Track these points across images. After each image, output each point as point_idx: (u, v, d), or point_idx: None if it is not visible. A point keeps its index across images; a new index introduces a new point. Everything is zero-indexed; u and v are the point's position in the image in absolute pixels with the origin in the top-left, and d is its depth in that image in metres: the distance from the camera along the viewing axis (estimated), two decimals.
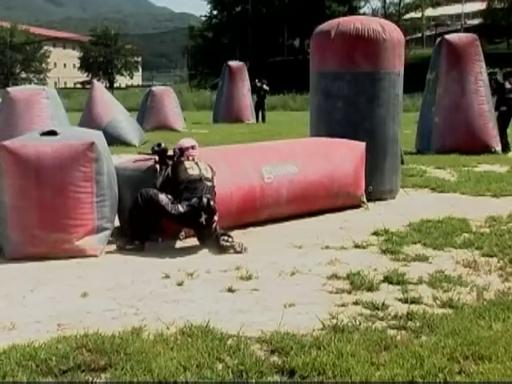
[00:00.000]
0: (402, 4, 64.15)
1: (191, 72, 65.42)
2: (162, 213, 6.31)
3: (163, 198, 6.33)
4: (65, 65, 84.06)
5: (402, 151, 10.53)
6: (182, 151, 6.75)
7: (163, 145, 6.81)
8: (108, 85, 63.55)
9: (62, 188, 6.05)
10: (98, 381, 3.50)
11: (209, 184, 6.52)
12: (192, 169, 6.57)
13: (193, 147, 6.84)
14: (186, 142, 6.90)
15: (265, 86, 27.58)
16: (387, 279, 5.26)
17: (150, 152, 6.87)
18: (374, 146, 8.57)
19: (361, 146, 8.40)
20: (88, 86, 37.85)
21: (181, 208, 6.29)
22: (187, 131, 21.81)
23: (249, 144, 9.19)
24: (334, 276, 5.40)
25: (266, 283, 5.26)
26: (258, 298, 4.91)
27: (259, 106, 27.25)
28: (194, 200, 6.31)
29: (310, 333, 4.11)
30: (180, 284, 5.25)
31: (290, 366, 3.61)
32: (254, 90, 27.33)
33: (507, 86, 15.08)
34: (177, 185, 6.51)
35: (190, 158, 6.73)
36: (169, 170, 6.64)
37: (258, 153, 7.75)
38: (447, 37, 14.68)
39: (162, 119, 21.76)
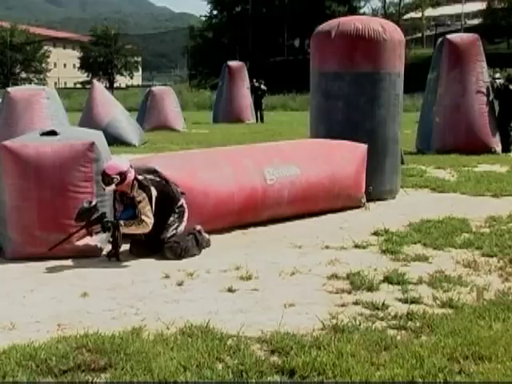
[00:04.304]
0: (402, 4, 64.26)
1: (191, 72, 65.46)
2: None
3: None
4: (65, 65, 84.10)
5: (402, 151, 10.53)
6: (123, 175, 5.95)
7: (93, 203, 5.95)
8: (108, 85, 63.60)
9: (62, 188, 6.04)
10: (97, 381, 3.50)
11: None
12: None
13: (131, 166, 6.11)
14: (122, 164, 6.07)
15: (262, 86, 27.60)
16: (387, 279, 5.25)
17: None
18: (374, 147, 8.57)
19: (362, 147, 8.39)
20: (88, 86, 37.88)
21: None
22: (187, 131, 21.84)
23: (251, 145, 9.19)
24: (334, 276, 5.40)
25: (266, 283, 5.26)
26: (258, 298, 4.91)
27: (257, 106, 27.28)
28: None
29: (309, 333, 4.11)
30: (180, 284, 5.25)
31: (290, 365, 3.61)
32: (252, 90, 27.35)
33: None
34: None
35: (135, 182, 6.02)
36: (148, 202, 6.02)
37: (260, 154, 7.75)
38: (449, 36, 14.66)
39: (161, 119, 21.76)
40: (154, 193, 6.07)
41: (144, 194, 5.98)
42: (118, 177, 5.93)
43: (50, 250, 5.89)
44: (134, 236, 6.22)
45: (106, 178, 5.96)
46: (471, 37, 14.69)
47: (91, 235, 6.04)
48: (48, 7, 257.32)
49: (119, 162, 6.20)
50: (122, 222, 5.97)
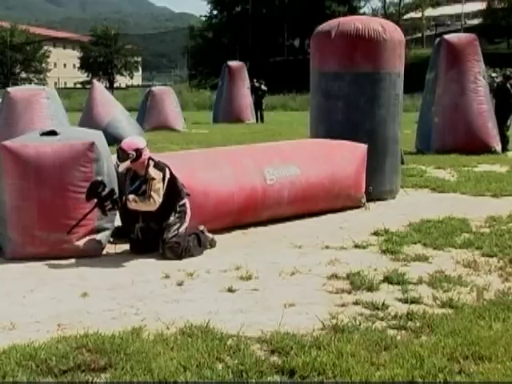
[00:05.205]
0: (402, 4, 64.23)
1: (191, 72, 65.43)
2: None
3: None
4: (65, 65, 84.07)
5: (402, 151, 10.53)
6: (139, 152, 6.06)
7: (99, 178, 6.04)
8: (108, 85, 63.57)
9: (62, 188, 6.04)
10: (98, 381, 3.50)
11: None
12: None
13: (147, 145, 6.27)
14: (138, 141, 6.26)
15: (263, 86, 27.64)
16: (387, 279, 5.26)
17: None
18: (374, 147, 8.57)
19: (362, 147, 8.39)
20: (88, 86, 37.88)
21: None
22: (187, 131, 21.84)
23: (251, 145, 9.20)
24: (334, 276, 5.40)
25: (266, 283, 5.26)
26: (258, 298, 4.92)
27: (257, 106, 27.30)
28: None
29: (309, 333, 4.11)
30: (180, 284, 5.25)
31: (290, 365, 3.61)
32: (252, 90, 27.37)
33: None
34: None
35: (151, 162, 6.12)
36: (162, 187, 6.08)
37: (260, 154, 7.75)
38: (446, 37, 14.68)
39: (161, 119, 21.77)
40: (168, 175, 6.14)
41: (159, 172, 6.06)
42: (134, 153, 6.04)
43: (68, 233, 5.96)
44: (132, 234, 6.27)
45: (122, 154, 6.07)
46: (468, 37, 14.72)
47: (105, 214, 6.06)
48: (48, 7, 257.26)
49: (136, 139, 6.39)
50: (130, 197, 6.01)
